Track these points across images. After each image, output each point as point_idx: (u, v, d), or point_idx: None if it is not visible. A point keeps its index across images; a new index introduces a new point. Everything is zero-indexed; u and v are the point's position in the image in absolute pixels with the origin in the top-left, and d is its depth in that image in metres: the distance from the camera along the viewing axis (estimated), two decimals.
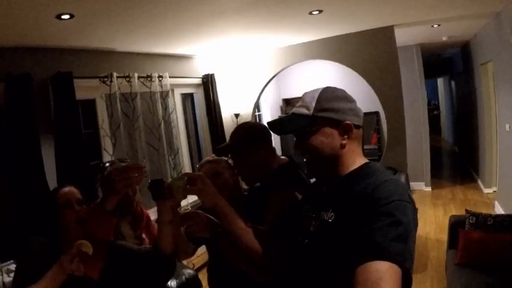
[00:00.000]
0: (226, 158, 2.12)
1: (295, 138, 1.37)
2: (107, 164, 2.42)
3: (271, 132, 1.96)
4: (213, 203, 1.46)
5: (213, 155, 2.14)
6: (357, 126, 1.31)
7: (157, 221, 1.63)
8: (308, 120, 1.29)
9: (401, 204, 1.10)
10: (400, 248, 1.03)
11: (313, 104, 1.29)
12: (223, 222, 1.46)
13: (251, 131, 1.90)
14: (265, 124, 1.49)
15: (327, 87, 1.35)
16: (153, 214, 4.35)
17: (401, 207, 1.09)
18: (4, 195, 3.10)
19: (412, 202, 1.16)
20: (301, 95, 1.38)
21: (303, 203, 1.46)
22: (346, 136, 1.29)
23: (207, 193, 1.45)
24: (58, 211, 1.71)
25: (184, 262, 4.53)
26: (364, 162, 1.32)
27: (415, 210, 1.16)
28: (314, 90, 1.34)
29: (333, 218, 1.22)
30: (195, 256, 4.92)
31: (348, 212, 1.17)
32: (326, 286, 1.19)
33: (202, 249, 5.21)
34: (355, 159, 1.32)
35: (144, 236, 2.46)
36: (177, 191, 1.44)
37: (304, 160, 1.35)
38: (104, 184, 2.21)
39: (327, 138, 1.28)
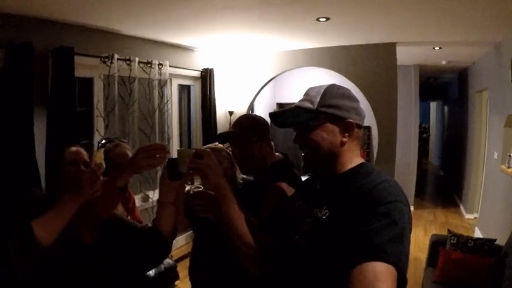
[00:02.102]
0: (226, 148, 2.13)
1: (295, 132, 1.36)
2: (104, 141, 2.40)
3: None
4: (216, 181, 1.40)
5: (216, 142, 2.15)
6: (358, 126, 1.31)
7: (158, 201, 1.60)
8: (311, 115, 1.28)
9: (399, 206, 1.10)
10: (396, 249, 1.03)
11: (318, 99, 1.29)
12: (222, 204, 1.43)
13: (255, 122, 1.93)
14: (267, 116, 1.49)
15: (333, 84, 1.35)
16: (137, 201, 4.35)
17: (399, 208, 1.10)
18: None
19: (408, 204, 1.17)
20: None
21: (295, 199, 1.45)
22: (347, 134, 1.28)
23: (212, 169, 1.39)
24: (63, 168, 1.70)
25: None
26: (361, 161, 1.32)
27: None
28: (320, 86, 1.34)
29: (327, 215, 1.21)
30: (174, 248, 4.96)
31: (343, 210, 1.17)
32: (318, 283, 1.18)
33: (182, 241, 5.25)
34: (353, 158, 1.31)
35: (129, 218, 2.44)
36: (182, 161, 1.40)
37: (303, 154, 1.34)
38: (107, 160, 2.20)
39: (328, 135, 1.27)
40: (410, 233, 1.12)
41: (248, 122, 1.92)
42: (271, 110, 8.86)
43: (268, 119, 1.73)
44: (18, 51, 3.10)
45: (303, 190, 1.48)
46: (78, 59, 3.59)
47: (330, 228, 1.18)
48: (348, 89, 1.35)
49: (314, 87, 1.35)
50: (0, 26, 3.13)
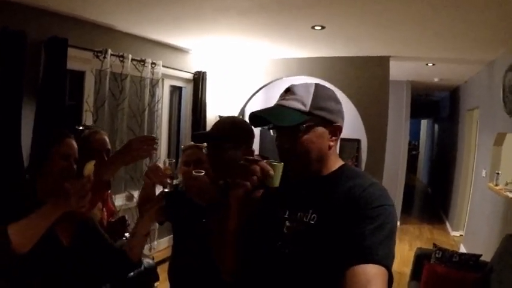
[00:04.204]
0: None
1: (274, 133, 1.29)
2: (81, 128, 2.34)
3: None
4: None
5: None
6: (341, 129, 1.28)
7: (132, 233, 1.62)
8: (304, 117, 1.20)
9: (387, 209, 1.13)
10: (387, 251, 1.06)
11: (310, 100, 1.22)
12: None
13: (237, 127, 1.80)
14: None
15: (318, 84, 1.28)
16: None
17: (387, 211, 1.12)
18: None
19: (394, 206, 1.18)
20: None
21: (269, 203, 1.35)
22: (334, 138, 1.26)
23: None
24: (53, 159, 1.63)
25: (146, 252, 4.46)
26: (342, 163, 1.31)
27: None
28: (306, 85, 1.27)
29: (315, 219, 1.19)
30: (155, 250, 4.90)
31: (332, 213, 1.16)
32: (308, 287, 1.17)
33: (164, 244, 5.19)
34: (336, 161, 1.30)
35: (104, 209, 2.39)
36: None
37: (289, 158, 1.24)
38: (84, 147, 2.15)
39: (318, 138, 1.23)
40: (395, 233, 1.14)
41: (229, 126, 1.80)
42: None
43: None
44: (10, 38, 3.06)
45: (279, 194, 1.34)
46: (71, 51, 3.55)
47: (320, 233, 1.16)
48: (332, 90, 1.30)
49: (299, 86, 1.27)
50: None
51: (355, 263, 1.03)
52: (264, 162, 1.19)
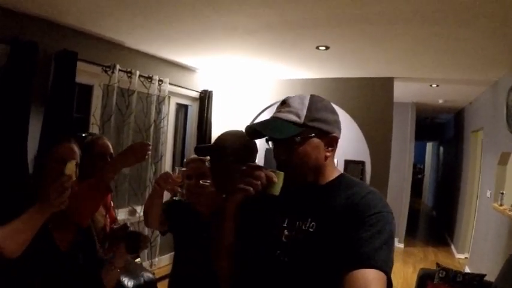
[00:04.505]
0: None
1: (271, 145, 1.30)
2: (84, 135, 2.41)
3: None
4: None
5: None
6: (338, 140, 1.30)
7: (109, 264, 1.73)
8: (298, 129, 1.21)
9: (385, 216, 1.14)
10: (385, 256, 1.07)
11: (304, 112, 1.23)
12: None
13: (239, 141, 1.76)
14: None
15: (314, 95, 1.30)
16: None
17: (385, 218, 1.14)
18: None
19: (392, 212, 1.19)
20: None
21: (265, 211, 1.37)
22: (330, 148, 1.27)
23: None
24: (49, 164, 1.66)
25: (147, 267, 4.44)
26: (340, 173, 1.32)
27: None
28: (301, 97, 1.28)
29: (314, 227, 1.20)
30: (156, 267, 4.87)
31: (331, 221, 1.17)
32: None
33: (166, 261, 5.16)
34: (333, 171, 1.31)
35: (107, 216, 2.41)
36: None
37: (286, 169, 1.25)
38: (89, 152, 2.19)
39: (314, 150, 1.24)
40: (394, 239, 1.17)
41: (231, 140, 1.77)
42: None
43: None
44: (22, 49, 3.12)
45: (278, 202, 1.36)
46: (80, 65, 3.63)
47: (318, 240, 1.17)
48: (328, 101, 1.31)
49: (294, 98, 1.28)
50: (7, 23, 3.17)
51: (354, 268, 1.04)
52: (267, 170, 1.22)
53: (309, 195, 1.28)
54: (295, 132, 1.21)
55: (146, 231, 2.37)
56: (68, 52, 3.49)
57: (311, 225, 1.21)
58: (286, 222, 1.28)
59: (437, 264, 3.63)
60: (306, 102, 1.25)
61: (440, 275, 3.45)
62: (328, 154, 1.27)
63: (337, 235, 1.13)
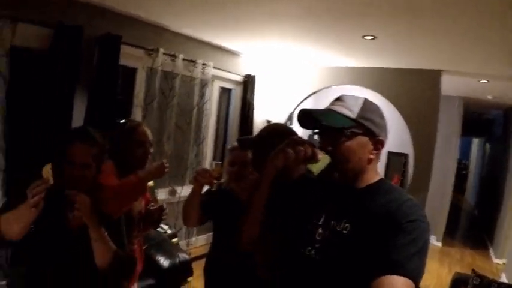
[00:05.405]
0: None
1: (318, 137, 1.32)
2: (123, 121, 2.44)
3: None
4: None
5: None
6: (383, 144, 1.30)
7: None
8: (350, 123, 1.24)
9: (422, 225, 1.14)
10: (417, 265, 1.08)
11: (357, 109, 1.26)
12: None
13: (281, 136, 1.71)
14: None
15: (367, 98, 1.32)
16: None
17: (422, 226, 1.14)
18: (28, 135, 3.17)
19: (428, 222, 1.18)
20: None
21: (303, 209, 1.40)
22: (375, 152, 1.28)
23: None
24: (62, 165, 1.63)
25: (183, 247, 4.57)
26: (380, 178, 1.32)
27: None
28: (355, 96, 1.32)
29: (348, 229, 1.21)
30: (193, 246, 4.99)
31: (366, 226, 1.18)
32: None
33: (202, 241, 5.27)
34: (374, 176, 1.31)
35: (143, 199, 2.47)
36: None
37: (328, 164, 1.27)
38: (127, 141, 2.24)
39: (359, 148, 1.25)
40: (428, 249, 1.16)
41: (273, 134, 1.80)
42: None
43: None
44: (67, 33, 3.20)
45: (315, 200, 1.41)
46: (124, 48, 3.69)
47: (352, 243, 1.18)
48: (379, 107, 1.33)
49: (349, 96, 1.32)
50: (52, 7, 3.23)
51: (383, 273, 1.05)
52: (315, 147, 1.25)
53: (346, 196, 1.30)
54: (346, 124, 1.23)
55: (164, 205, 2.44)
56: (112, 35, 3.56)
57: (345, 226, 1.22)
58: (321, 220, 1.30)
59: (473, 271, 3.53)
60: (360, 102, 1.28)
61: (474, 281, 3.36)
62: (372, 157, 1.28)
63: (371, 240, 1.14)
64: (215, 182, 2.09)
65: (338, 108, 1.27)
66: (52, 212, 1.50)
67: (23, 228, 1.47)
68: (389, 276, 1.04)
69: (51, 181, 1.45)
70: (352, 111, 1.25)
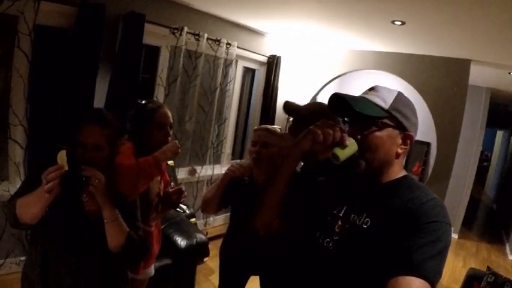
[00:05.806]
0: (282, 132, 2.16)
1: (347, 125, 1.30)
2: (144, 102, 2.43)
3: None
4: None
5: (275, 126, 2.21)
6: (413, 140, 1.28)
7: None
8: (383, 113, 1.22)
9: (444, 226, 1.12)
10: (435, 267, 1.05)
11: (391, 101, 1.24)
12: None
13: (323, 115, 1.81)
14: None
15: (401, 92, 1.30)
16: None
17: (443, 228, 1.11)
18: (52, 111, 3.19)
19: (451, 224, 1.16)
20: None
21: (324, 198, 1.39)
22: (403, 146, 1.26)
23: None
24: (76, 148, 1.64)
25: (201, 227, 4.62)
26: (404, 173, 1.30)
27: None
28: (389, 89, 1.30)
29: (368, 224, 1.20)
30: (211, 226, 5.05)
31: (387, 221, 1.16)
32: None
33: (220, 221, 5.33)
34: (399, 171, 1.29)
35: (161, 180, 2.48)
36: None
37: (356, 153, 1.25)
38: (148, 122, 2.24)
39: (388, 140, 1.23)
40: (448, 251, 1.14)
41: (319, 109, 1.80)
42: None
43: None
44: (90, 10, 3.19)
45: (337, 190, 1.40)
46: (147, 27, 3.68)
47: (370, 238, 1.17)
48: (412, 102, 1.31)
49: (383, 87, 1.30)
50: None
51: (400, 273, 1.03)
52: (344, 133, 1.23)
53: (369, 190, 1.28)
54: (379, 114, 1.22)
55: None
56: (135, 14, 3.54)
57: (365, 221, 1.21)
58: (342, 212, 1.29)
59: (488, 268, 3.48)
60: (394, 94, 1.27)
61: (488, 279, 3.32)
62: (400, 151, 1.26)
63: (390, 237, 1.12)
64: (245, 178, 2.17)
65: (371, 97, 1.26)
66: (67, 196, 1.52)
67: (39, 213, 1.50)
68: (406, 276, 1.02)
69: (66, 167, 1.45)
70: (385, 102, 1.24)
